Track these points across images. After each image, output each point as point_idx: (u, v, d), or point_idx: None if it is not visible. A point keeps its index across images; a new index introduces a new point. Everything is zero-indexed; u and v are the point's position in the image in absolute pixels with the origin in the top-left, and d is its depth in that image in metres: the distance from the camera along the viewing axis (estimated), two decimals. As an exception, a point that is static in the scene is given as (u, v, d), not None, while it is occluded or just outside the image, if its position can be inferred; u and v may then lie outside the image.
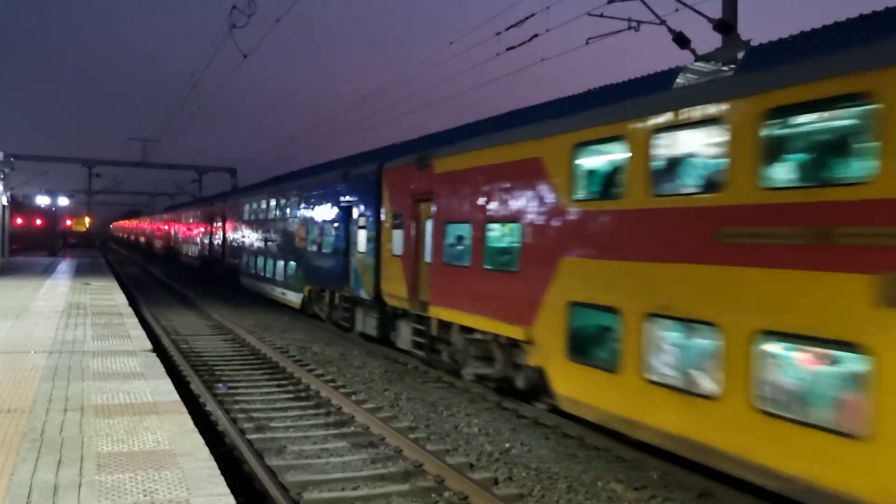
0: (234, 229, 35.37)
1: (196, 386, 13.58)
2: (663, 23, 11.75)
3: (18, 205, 57.68)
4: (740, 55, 8.93)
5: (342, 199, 19.91)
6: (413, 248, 15.32)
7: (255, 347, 18.51)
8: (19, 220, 60.35)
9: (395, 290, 16.19)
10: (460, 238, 13.39)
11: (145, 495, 5.88)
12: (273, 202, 28.34)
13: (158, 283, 40.54)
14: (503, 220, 11.97)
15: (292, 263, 24.94)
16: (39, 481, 6.14)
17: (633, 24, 12.52)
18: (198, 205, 50.81)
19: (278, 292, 26.70)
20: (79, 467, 6.54)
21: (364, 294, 18.02)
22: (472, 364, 13.02)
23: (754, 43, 9.47)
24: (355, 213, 18.91)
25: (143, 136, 72.21)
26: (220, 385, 13.89)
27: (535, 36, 13.96)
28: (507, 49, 14.92)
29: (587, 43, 13.12)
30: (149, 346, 13.65)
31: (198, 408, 11.89)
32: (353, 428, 11.25)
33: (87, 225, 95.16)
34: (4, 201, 36.19)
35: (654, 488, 8.76)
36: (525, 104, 16.18)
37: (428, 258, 14.63)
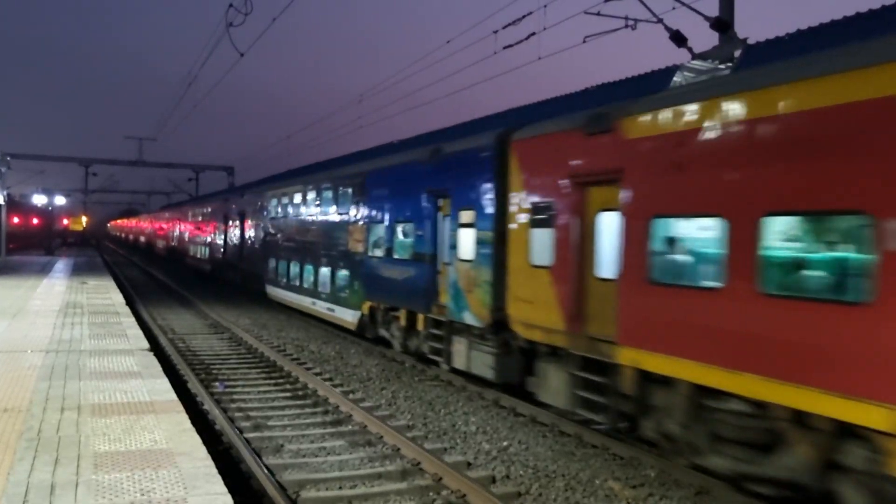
0: (258, 228, 30.20)
1: (193, 385, 13.58)
2: (660, 21, 11.76)
3: (15, 204, 57.66)
4: (737, 53, 8.92)
5: (428, 186, 15.20)
6: (575, 256, 10.60)
7: (252, 346, 18.51)
8: (16, 220, 60.31)
9: (537, 318, 11.32)
10: (688, 242, 8.81)
11: (142, 494, 5.87)
12: (313, 195, 22.96)
13: (158, 284, 40.49)
14: (818, 211, 7.20)
15: (344, 272, 19.62)
16: (36, 480, 6.13)
17: (630, 22, 12.54)
18: (209, 200, 45.60)
19: (322, 307, 21.39)
20: (76, 466, 6.53)
21: (471, 319, 13.15)
22: (721, 452, 8.12)
23: (751, 41, 9.47)
24: (452, 205, 14.22)
25: (139, 134, 72.02)
26: (217, 384, 13.89)
27: (533, 34, 13.99)
28: (505, 47, 14.92)
29: (584, 41, 13.13)
30: (146, 345, 13.63)
31: (195, 407, 11.89)
32: (350, 426, 11.26)
33: (84, 224, 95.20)
34: (1, 200, 36.14)
35: (651, 486, 8.78)
36: (522, 103, 16.10)
37: (604, 272, 10.10)
